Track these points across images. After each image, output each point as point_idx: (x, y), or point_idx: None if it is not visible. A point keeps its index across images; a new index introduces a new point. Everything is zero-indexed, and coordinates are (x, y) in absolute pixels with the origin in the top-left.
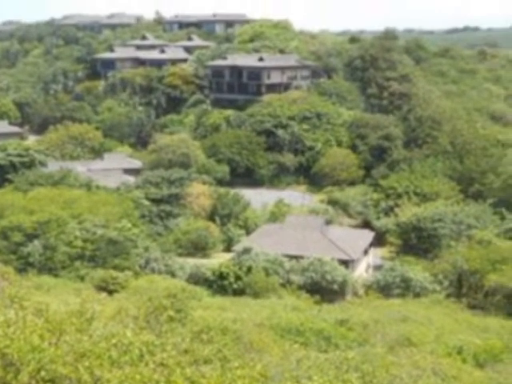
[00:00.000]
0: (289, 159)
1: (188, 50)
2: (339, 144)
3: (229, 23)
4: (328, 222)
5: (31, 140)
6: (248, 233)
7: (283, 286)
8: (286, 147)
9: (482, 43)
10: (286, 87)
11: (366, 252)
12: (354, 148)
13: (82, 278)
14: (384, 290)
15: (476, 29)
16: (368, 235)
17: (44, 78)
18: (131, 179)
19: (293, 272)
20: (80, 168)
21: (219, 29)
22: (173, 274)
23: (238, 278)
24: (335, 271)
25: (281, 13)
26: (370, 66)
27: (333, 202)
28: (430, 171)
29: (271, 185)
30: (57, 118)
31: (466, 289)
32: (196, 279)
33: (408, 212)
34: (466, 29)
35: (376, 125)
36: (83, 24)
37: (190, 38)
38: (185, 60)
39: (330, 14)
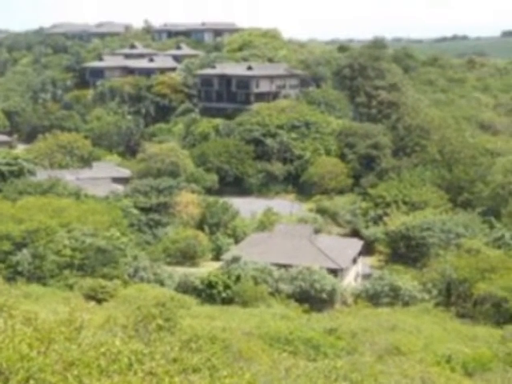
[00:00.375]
0: (277, 168)
1: (177, 58)
2: (328, 153)
3: (218, 32)
4: (317, 231)
5: (20, 149)
6: (237, 241)
7: (272, 294)
8: (275, 156)
9: (471, 52)
10: (274, 96)
11: (354, 261)
12: (342, 157)
13: (70, 287)
14: (373, 298)
15: (464, 38)
16: (357, 244)
17: (33, 86)
18: (120, 188)
19: (282, 281)
20: (69, 177)
21: (208, 37)
22: (161, 283)
23: (226, 286)
24: (324, 280)
25: (270, 22)
26: (358, 75)
27: (321, 211)
28: (418, 180)
29: (260, 193)
30: (46, 126)
31: (454, 298)
32: (185, 288)
33: (397, 221)
34: (454, 38)
35: (365, 134)
36: (72, 33)
37: (178, 47)
38: (173, 69)
39: (318, 23)
